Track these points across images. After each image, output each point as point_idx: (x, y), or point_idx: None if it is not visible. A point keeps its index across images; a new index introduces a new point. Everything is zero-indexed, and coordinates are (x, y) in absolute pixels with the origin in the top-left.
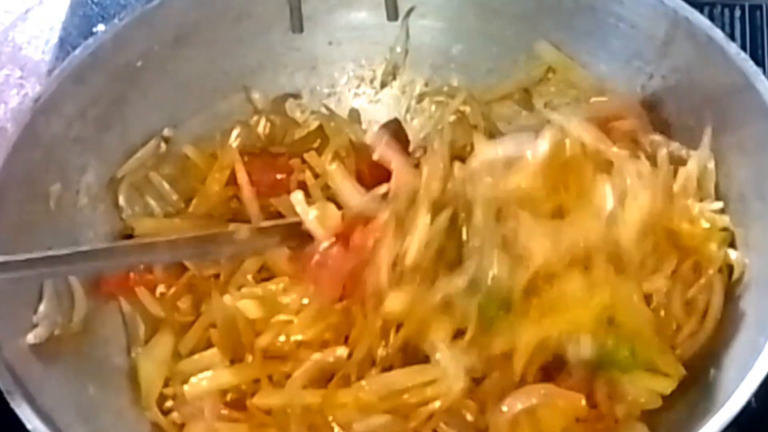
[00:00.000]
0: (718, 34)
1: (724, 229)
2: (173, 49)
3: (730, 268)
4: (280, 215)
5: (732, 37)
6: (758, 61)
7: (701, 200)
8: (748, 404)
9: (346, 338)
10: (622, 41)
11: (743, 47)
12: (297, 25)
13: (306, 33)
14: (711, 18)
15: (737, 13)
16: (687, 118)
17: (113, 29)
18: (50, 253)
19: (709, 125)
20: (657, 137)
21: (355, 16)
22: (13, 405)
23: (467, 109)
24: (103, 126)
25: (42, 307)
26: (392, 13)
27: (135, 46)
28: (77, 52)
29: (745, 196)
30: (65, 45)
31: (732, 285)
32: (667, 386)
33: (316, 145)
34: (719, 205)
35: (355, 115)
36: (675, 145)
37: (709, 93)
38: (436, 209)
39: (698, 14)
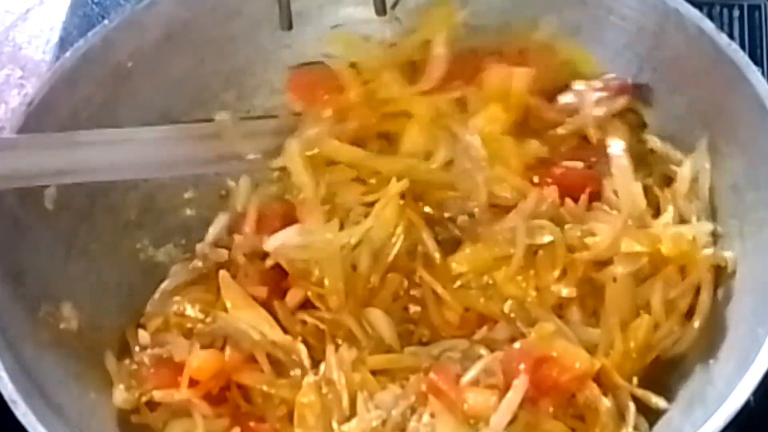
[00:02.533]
0: (709, 26)
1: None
2: (163, 49)
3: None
4: None
5: (731, 37)
6: (757, 61)
7: (691, 201)
8: (747, 404)
9: None
10: (613, 33)
11: (742, 47)
12: (286, 22)
13: (295, 30)
14: (710, 18)
15: (736, 13)
16: (679, 109)
17: (103, 31)
18: None
19: (705, 128)
20: (653, 139)
21: (344, 11)
22: (17, 413)
23: None
24: (95, 127)
25: None
26: (380, 8)
27: (125, 47)
28: (68, 54)
29: (738, 187)
30: (66, 45)
31: (727, 277)
32: None
33: None
34: (701, 206)
35: None
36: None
37: (701, 84)
38: None
39: (689, 6)
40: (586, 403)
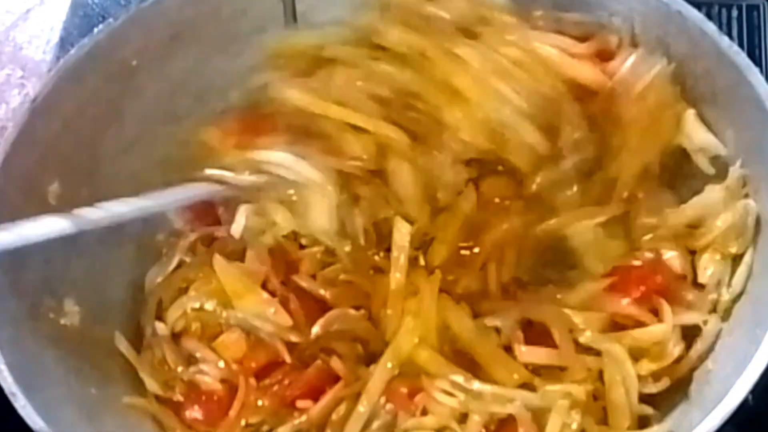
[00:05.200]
0: (711, 28)
1: None
2: (168, 48)
3: None
4: None
5: (730, 37)
6: (756, 61)
7: None
8: (746, 401)
9: None
10: (615, 36)
11: (741, 47)
12: (291, 21)
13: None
14: (708, 18)
15: (734, 13)
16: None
17: (108, 28)
18: None
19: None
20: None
21: (348, 14)
22: (17, 406)
23: None
24: (100, 125)
25: None
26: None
27: (130, 44)
28: (73, 51)
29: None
30: (66, 45)
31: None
32: None
33: None
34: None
35: None
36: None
37: (703, 85)
38: None
39: (691, 8)
40: None
